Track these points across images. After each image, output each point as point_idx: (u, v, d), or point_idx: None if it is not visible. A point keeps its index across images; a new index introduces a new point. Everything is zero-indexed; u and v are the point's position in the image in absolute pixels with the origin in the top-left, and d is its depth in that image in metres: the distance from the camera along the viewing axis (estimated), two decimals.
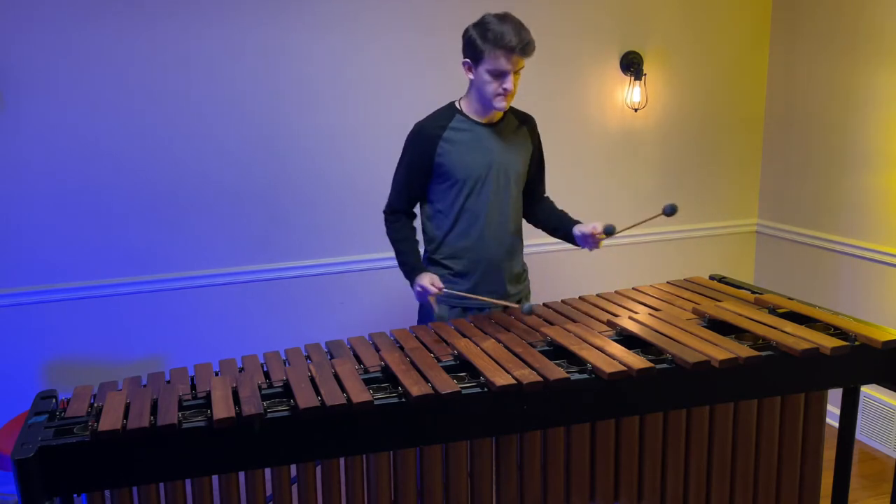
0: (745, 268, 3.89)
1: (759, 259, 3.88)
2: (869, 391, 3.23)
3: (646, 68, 3.46)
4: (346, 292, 3.26)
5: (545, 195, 2.56)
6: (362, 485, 1.74)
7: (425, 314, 2.46)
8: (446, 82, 3.13)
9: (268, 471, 1.67)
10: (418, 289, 2.25)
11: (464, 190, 2.30)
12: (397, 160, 2.37)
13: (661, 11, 3.49)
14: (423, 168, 2.30)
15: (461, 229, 2.34)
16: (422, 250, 2.44)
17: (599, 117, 3.49)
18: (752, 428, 1.96)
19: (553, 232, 2.51)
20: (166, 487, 1.63)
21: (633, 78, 3.44)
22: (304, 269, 3.19)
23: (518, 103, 2.39)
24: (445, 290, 2.22)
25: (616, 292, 2.42)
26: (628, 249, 3.64)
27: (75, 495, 1.60)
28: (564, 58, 3.35)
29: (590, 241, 2.32)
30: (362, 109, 3.14)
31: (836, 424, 2.28)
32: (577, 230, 2.36)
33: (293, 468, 1.71)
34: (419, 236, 2.42)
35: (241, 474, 1.67)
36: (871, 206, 3.22)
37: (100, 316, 2.98)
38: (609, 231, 2.27)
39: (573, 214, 2.46)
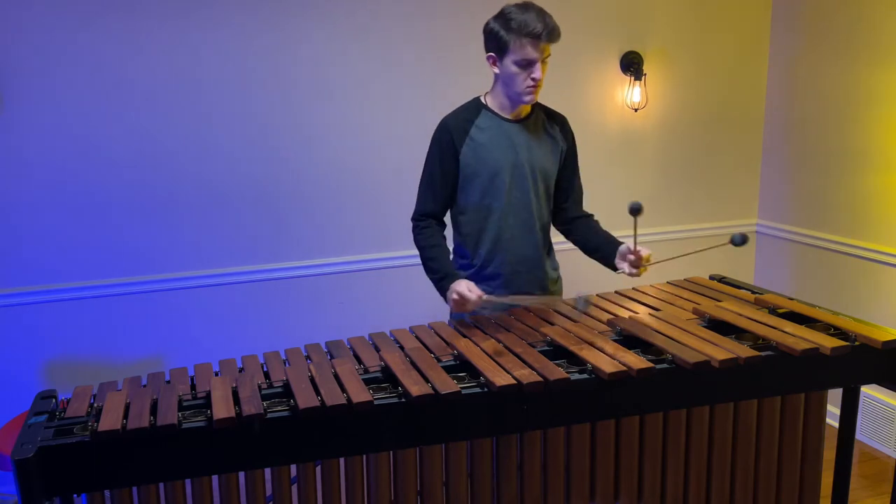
0: (745, 268, 3.89)
1: (759, 259, 3.88)
2: (869, 391, 3.23)
3: (646, 68, 3.46)
4: (346, 292, 3.26)
5: (588, 214, 2.42)
6: (362, 485, 1.74)
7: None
8: (447, 83, 3.13)
9: (268, 471, 1.67)
10: (454, 296, 2.11)
11: (489, 188, 2.23)
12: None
13: (661, 11, 3.49)
14: (451, 163, 2.22)
15: (487, 229, 2.27)
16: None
17: (599, 117, 3.49)
18: (752, 428, 1.96)
19: (592, 252, 2.37)
20: (166, 487, 1.63)
21: (633, 78, 3.44)
22: (304, 269, 3.19)
23: None
24: (485, 296, 2.08)
25: (616, 292, 2.42)
26: None
27: (75, 495, 1.60)
28: (564, 58, 3.35)
29: (631, 263, 2.18)
30: (363, 110, 3.14)
31: (836, 424, 2.28)
32: (621, 252, 2.22)
33: (293, 468, 1.71)
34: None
35: (241, 474, 1.67)
36: (871, 206, 3.21)
37: (100, 316, 2.98)
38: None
39: None
